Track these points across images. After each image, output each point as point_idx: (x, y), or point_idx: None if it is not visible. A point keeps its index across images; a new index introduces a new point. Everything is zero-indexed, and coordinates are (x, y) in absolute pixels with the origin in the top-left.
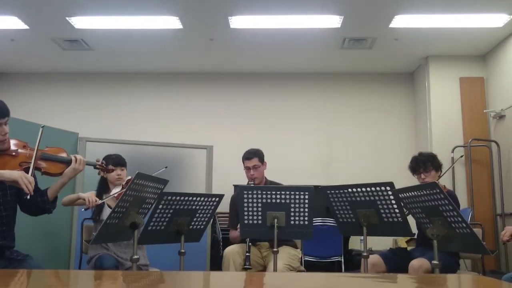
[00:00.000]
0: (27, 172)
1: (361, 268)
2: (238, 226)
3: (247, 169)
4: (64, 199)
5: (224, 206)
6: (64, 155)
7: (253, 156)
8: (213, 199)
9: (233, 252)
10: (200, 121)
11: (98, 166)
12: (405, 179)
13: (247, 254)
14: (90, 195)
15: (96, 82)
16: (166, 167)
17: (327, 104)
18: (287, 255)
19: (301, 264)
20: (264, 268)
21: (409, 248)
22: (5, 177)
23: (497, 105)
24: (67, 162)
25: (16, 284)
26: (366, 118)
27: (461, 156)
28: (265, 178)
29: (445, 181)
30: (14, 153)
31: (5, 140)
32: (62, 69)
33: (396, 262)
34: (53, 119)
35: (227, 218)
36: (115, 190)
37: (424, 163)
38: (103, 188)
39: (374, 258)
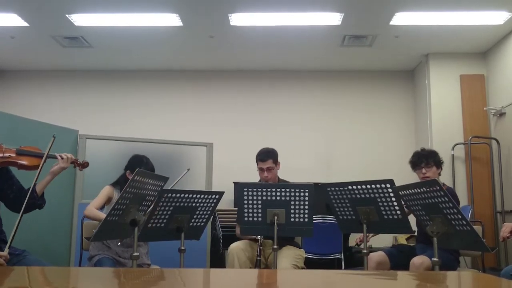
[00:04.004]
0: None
1: (365, 266)
2: None
3: (261, 170)
4: (89, 214)
5: (224, 203)
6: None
7: (268, 158)
8: (213, 196)
9: (238, 249)
10: (200, 119)
11: (73, 160)
12: (405, 176)
13: (257, 258)
14: None
15: (96, 80)
16: (188, 169)
17: (327, 101)
18: (293, 254)
19: None
20: (266, 267)
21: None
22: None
23: (498, 103)
24: (40, 156)
25: (16, 281)
26: (366, 116)
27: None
28: (278, 177)
29: (445, 179)
30: None
31: None
32: (62, 66)
33: (400, 259)
34: (53, 116)
35: (227, 216)
36: None
37: (426, 158)
38: (123, 187)
39: (379, 256)
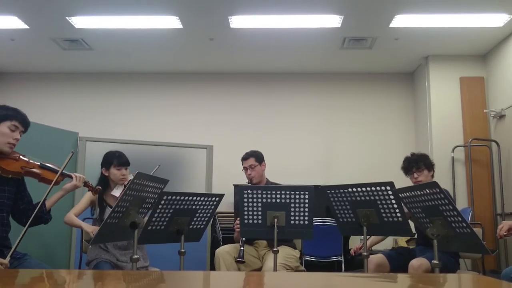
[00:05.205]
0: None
1: (365, 268)
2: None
3: (245, 169)
4: (66, 221)
5: (224, 206)
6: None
7: (249, 156)
8: (213, 198)
9: (223, 251)
10: (200, 121)
11: (88, 184)
12: (405, 178)
13: (241, 248)
14: (94, 229)
15: (96, 82)
16: (159, 165)
17: (327, 104)
18: (283, 254)
19: (301, 264)
20: (260, 267)
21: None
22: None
23: (497, 105)
24: (62, 174)
25: (17, 283)
26: (366, 118)
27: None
28: (267, 179)
29: (445, 181)
30: (16, 158)
31: (14, 145)
32: (62, 68)
33: (400, 261)
34: (53, 118)
35: (227, 218)
36: (117, 191)
37: (416, 162)
38: (103, 186)
39: (378, 258)
